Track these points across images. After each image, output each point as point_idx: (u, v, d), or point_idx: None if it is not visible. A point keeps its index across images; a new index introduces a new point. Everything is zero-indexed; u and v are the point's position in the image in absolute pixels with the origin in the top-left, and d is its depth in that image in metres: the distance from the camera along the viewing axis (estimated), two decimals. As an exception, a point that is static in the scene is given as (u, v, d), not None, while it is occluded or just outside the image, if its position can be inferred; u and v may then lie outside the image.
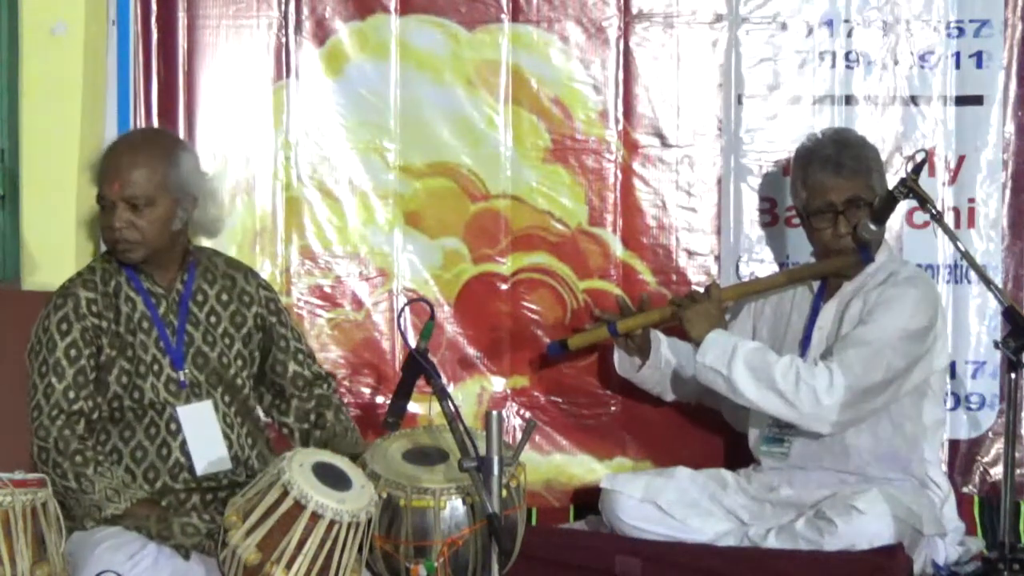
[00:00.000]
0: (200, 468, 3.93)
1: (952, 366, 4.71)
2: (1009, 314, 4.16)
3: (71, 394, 3.87)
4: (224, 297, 4.09)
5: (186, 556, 3.69)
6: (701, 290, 4.58)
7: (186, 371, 3.98)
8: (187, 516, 3.74)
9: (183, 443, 3.93)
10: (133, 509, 3.77)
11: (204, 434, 3.97)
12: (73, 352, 3.89)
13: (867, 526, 4.14)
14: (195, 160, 4.07)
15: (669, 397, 4.75)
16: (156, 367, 3.95)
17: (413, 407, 3.92)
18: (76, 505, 3.80)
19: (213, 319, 4.06)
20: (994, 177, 4.81)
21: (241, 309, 4.11)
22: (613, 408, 4.91)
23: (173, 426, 3.94)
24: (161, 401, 3.94)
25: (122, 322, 3.95)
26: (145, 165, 3.93)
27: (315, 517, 3.51)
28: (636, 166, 4.90)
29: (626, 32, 4.88)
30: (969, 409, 4.80)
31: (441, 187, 4.91)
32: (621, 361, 4.72)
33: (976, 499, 4.75)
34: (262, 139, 4.90)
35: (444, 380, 4.10)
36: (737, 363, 4.32)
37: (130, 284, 3.99)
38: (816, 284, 4.56)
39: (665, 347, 4.66)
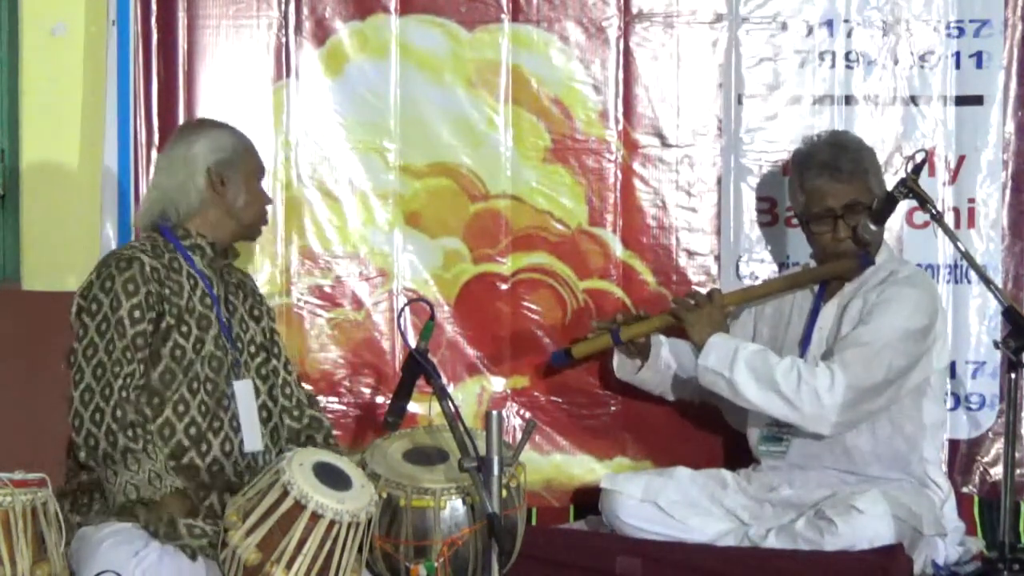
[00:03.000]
0: (248, 444, 3.94)
1: (952, 366, 4.71)
2: (1009, 314, 4.16)
3: (128, 355, 3.84)
4: (242, 293, 4.14)
5: (192, 556, 3.68)
6: (703, 291, 4.58)
7: (237, 350, 4.01)
8: (193, 519, 3.73)
9: (234, 417, 3.95)
10: (165, 499, 3.74)
11: (248, 414, 3.98)
12: (137, 314, 3.85)
13: (867, 526, 4.13)
14: None
15: (671, 397, 4.75)
16: (210, 343, 3.95)
17: (413, 407, 3.92)
18: (105, 481, 3.75)
19: (243, 308, 4.11)
20: (994, 177, 4.80)
21: (256, 306, 4.17)
22: (613, 408, 4.91)
23: (225, 402, 3.95)
24: (212, 378, 3.94)
25: (184, 295, 3.94)
26: None
27: (315, 517, 3.51)
28: (636, 166, 4.89)
29: (626, 32, 4.88)
30: (969, 409, 4.80)
31: (441, 187, 4.91)
32: (621, 365, 4.71)
33: (976, 499, 4.75)
34: (262, 139, 4.86)
35: (444, 380, 4.10)
36: (739, 365, 4.32)
37: (188, 263, 3.99)
38: (816, 285, 4.55)
39: (666, 349, 4.66)
